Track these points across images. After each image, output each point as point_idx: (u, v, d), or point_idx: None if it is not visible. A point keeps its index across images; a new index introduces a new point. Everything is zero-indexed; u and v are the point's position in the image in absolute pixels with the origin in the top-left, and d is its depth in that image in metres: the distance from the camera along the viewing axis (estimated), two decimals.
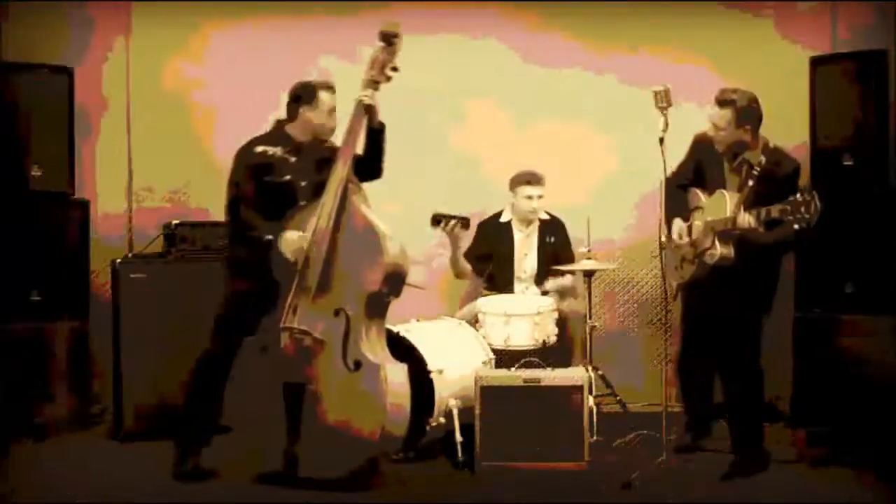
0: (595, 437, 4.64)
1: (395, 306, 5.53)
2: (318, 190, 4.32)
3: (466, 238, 5.39)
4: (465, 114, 5.76)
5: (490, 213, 5.56)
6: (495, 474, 4.36)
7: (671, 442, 4.41)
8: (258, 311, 4.28)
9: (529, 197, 5.32)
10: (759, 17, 5.57)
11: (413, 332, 4.69)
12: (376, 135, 4.38)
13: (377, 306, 4.23)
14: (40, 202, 5.20)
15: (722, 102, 4.35)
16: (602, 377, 5.09)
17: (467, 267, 5.38)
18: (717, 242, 4.34)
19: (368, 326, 4.19)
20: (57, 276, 5.20)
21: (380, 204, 5.47)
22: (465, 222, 5.26)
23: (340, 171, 4.22)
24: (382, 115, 5.60)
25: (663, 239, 4.31)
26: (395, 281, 4.22)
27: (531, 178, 5.32)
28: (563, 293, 5.32)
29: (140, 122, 5.71)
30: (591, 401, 4.56)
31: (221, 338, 4.34)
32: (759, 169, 4.28)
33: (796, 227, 3.99)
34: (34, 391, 5.09)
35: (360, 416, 4.07)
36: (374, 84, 4.31)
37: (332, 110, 4.37)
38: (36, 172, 5.15)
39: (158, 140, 5.70)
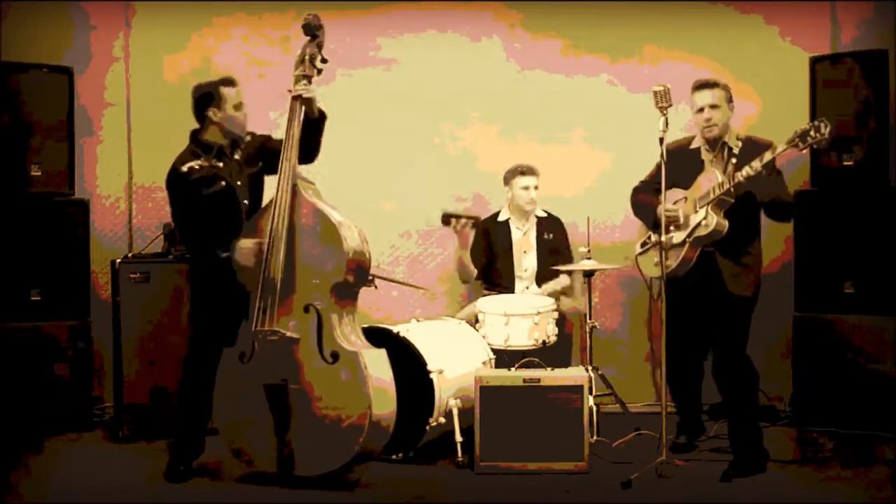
0: (595, 437, 4.64)
1: (396, 306, 5.59)
2: (254, 184, 4.40)
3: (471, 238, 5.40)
4: (460, 113, 5.76)
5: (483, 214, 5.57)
6: (495, 474, 4.36)
7: (669, 442, 4.41)
8: (231, 319, 4.30)
9: (525, 188, 5.33)
10: (754, 15, 5.57)
11: (413, 332, 4.69)
12: (315, 124, 4.33)
13: (345, 295, 4.25)
14: (40, 202, 5.20)
15: (712, 84, 4.43)
16: (602, 377, 5.09)
17: (473, 270, 5.38)
18: (710, 212, 4.34)
19: (340, 316, 4.21)
20: (57, 276, 5.21)
21: (374, 202, 5.52)
22: (475, 222, 5.26)
23: (286, 169, 4.23)
24: (378, 114, 5.66)
25: (663, 239, 4.30)
26: (359, 268, 4.24)
27: (525, 169, 5.34)
28: (562, 293, 5.33)
29: (140, 121, 5.71)
30: (591, 401, 4.56)
31: (198, 350, 4.38)
32: (738, 150, 4.34)
33: (804, 149, 4.07)
34: (34, 391, 5.09)
35: (346, 406, 4.08)
36: (305, 79, 4.31)
37: (239, 105, 4.38)
38: (36, 172, 5.16)
39: (159, 140, 5.69)
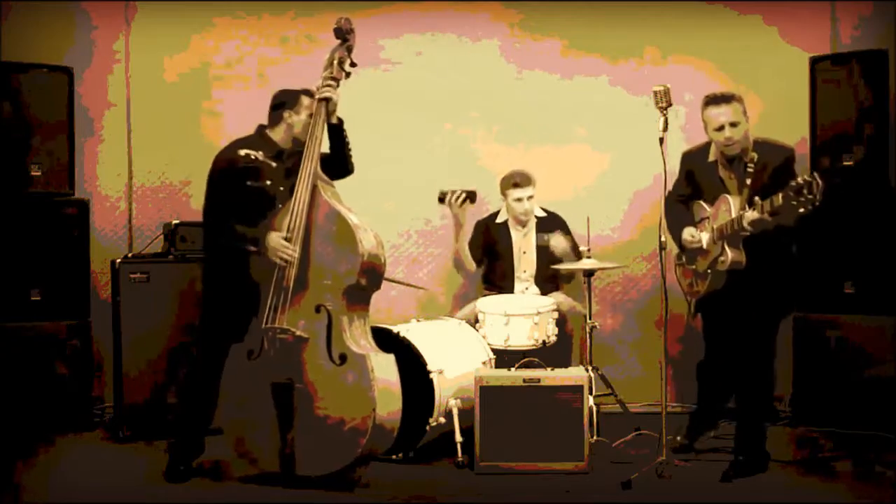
0: (595, 437, 4.64)
1: (397, 306, 5.59)
2: (293, 194, 4.38)
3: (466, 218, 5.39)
4: (460, 113, 5.75)
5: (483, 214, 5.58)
6: (495, 474, 4.36)
7: (670, 442, 4.41)
8: (241, 315, 4.29)
9: (519, 199, 5.30)
10: (753, 15, 5.56)
11: (413, 332, 4.69)
12: (336, 130, 4.38)
13: (357, 298, 4.25)
14: (40, 202, 5.20)
15: (728, 98, 4.31)
16: (602, 377, 5.09)
17: (471, 264, 5.37)
18: (726, 248, 4.29)
19: (350, 319, 4.20)
20: (57, 276, 5.21)
21: (374, 202, 5.53)
22: (471, 195, 5.23)
23: (308, 168, 4.24)
24: (378, 114, 5.66)
25: (663, 239, 4.29)
26: (373, 272, 4.24)
27: (519, 180, 5.30)
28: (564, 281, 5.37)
29: (140, 121, 5.71)
30: (591, 401, 4.56)
31: (207, 346, 4.38)
32: (752, 165, 4.28)
33: (802, 210, 3.91)
34: (34, 391, 5.09)
35: (350, 409, 4.07)
36: (333, 81, 4.32)
37: (312, 115, 4.39)
38: (36, 172, 5.16)
39: (159, 140, 5.70)
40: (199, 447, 4.45)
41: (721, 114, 4.30)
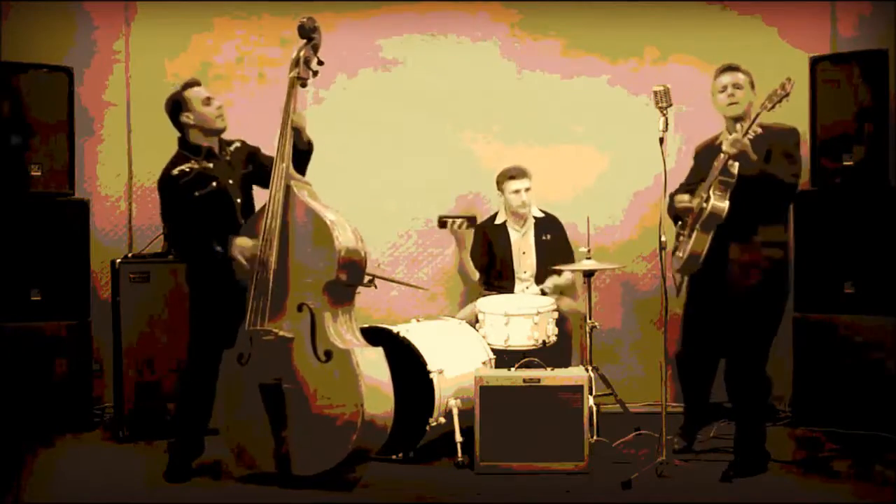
0: (595, 437, 4.64)
1: (397, 306, 5.59)
2: (247, 183, 4.45)
3: (470, 238, 5.41)
4: (460, 113, 5.75)
5: (482, 214, 5.59)
6: (495, 474, 4.36)
7: (670, 444, 4.41)
8: (229, 321, 4.30)
9: (516, 191, 5.32)
10: (753, 15, 5.57)
11: (413, 332, 4.69)
12: (303, 154, 4.40)
13: (340, 294, 4.25)
14: (40, 202, 5.20)
15: (735, 68, 4.43)
16: (602, 377, 5.09)
17: (475, 272, 5.39)
18: (711, 193, 4.27)
19: (334, 315, 4.21)
20: (57, 276, 5.21)
21: (374, 202, 5.53)
22: (471, 221, 5.26)
23: (281, 169, 4.25)
24: (379, 114, 5.66)
25: (663, 239, 4.29)
26: (352, 267, 4.23)
27: (515, 173, 5.33)
28: (562, 291, 5.33)
29: (140, 121, 5.71)
30: (591, 401, 4.56)
31: (200, 353, 4.38)
32: (753, 130, 4.24)
33: (772, 108, 4.10)
34: (34, 391, 5.09)
35: (340, 405, 4.08)
36: (299, 81, 4.34)
37: (207, 100, 4.41)
38: (36, 172, 5.16)
39: (159, 140, 5.68)
40: (199, 447, 4.45)
41: (725, 78, 4.42)
